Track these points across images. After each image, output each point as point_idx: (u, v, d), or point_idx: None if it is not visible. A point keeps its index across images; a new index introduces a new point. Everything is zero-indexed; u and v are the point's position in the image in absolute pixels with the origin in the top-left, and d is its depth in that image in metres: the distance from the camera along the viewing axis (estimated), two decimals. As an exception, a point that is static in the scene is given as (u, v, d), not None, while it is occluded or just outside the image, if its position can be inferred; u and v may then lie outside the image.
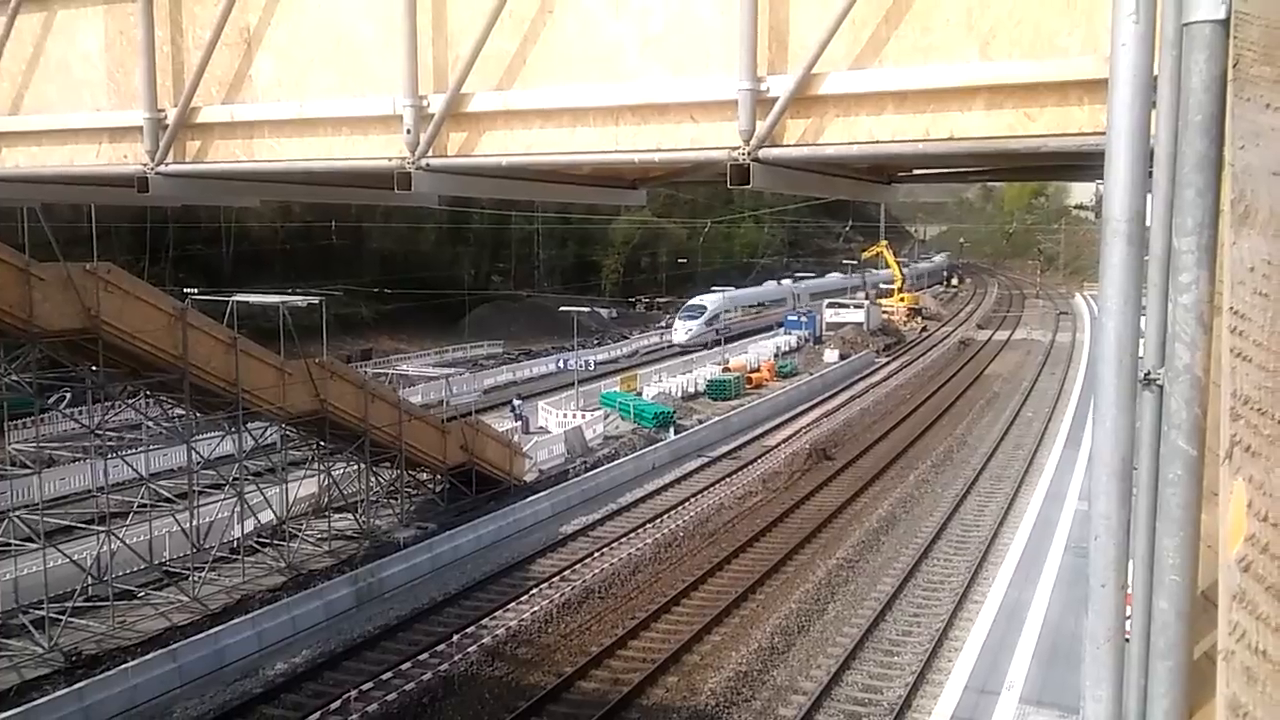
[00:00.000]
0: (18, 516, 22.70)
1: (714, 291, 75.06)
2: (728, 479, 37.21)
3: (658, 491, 35.81)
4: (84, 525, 23.28)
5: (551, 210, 78.40)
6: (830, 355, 66.53)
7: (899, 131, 5.37)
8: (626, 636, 22.99)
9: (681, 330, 68.68)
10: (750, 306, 78.79)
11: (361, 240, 71.35)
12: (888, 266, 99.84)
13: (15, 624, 22.01)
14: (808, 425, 46.87)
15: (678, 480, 37.35)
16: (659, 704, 19.97)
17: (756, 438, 44.65)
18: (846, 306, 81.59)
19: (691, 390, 53.01)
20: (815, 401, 53.19)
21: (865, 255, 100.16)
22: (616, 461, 38.22)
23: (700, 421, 46.14)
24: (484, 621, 23.88)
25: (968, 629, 21.77)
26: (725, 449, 42.22)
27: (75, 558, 23.13)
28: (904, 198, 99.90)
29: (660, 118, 6.09)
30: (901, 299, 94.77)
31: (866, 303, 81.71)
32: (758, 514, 32.71)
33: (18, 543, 21.95)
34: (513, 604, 25.07)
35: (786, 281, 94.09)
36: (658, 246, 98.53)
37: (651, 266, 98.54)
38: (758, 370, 58.89)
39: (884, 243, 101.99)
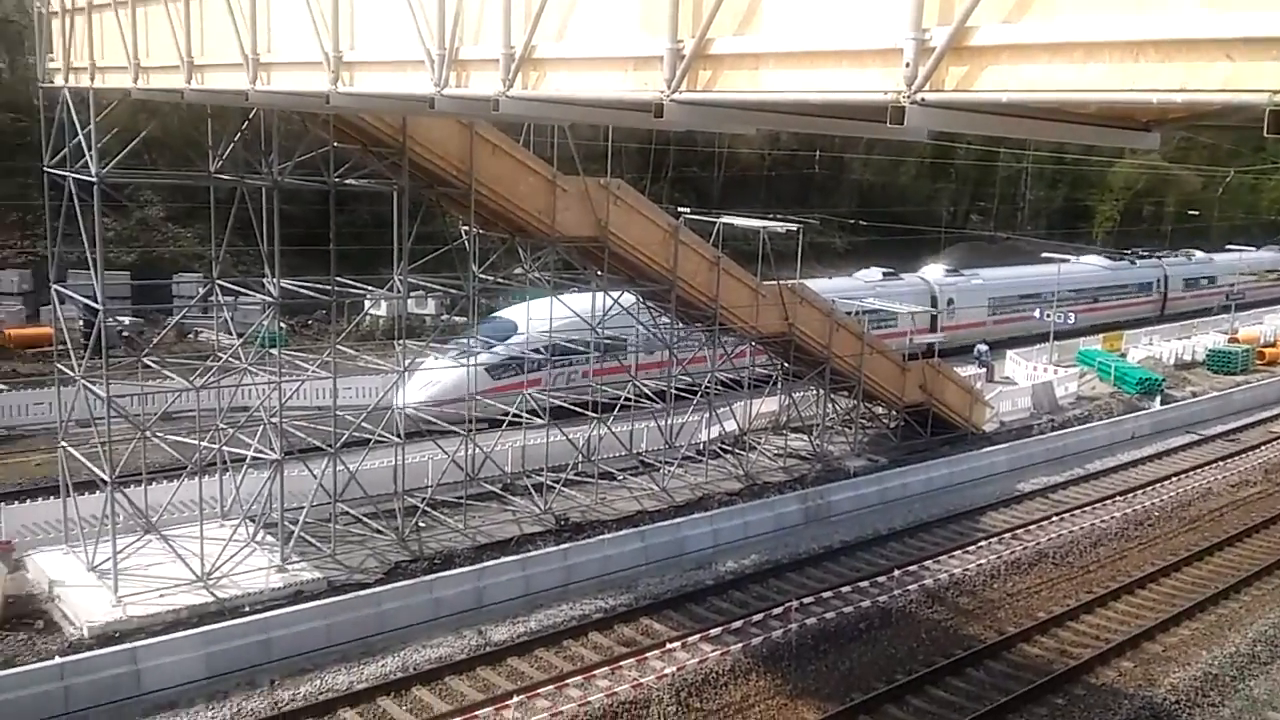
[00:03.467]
0: (529, 394, 26.32)
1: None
2: (1220, 463, 33.24)
3: (1133, 464, 32.95)
4: (580, 410, 26.43)
5: (1044, 149, 73.10)
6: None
7: None
8: (1080, 609, 21.74)
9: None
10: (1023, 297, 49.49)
11: (842, 170, 71.75)
12: None
13: (520, 485, 25.78)
14: (1335, 417, 40.18)
15: (1158, 455, 34.08)
16: (1109, 686, 18.74)
17: (1262, 421, 39.21)
18: None
19: (1187, 359, 47.44)
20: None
21: None
22: (1089, 425, 35.59)
23: (1194, 394, 41.36)
24: (927, 563, 23.77)
25: None
26: (1221, 429, 37.64)
27: (571, 437, 26.42)
28: None
29: (1188, 54, 5.55)
30: None
31: None
32: (1254, 507, 28.97)
33: (527, 417, 25.49)
34: (958, 552, 24.64)
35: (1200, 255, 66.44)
36: (1165, 194, 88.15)
37: (1155, 216, 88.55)
38: (1273, 345, 51.18)
39: None
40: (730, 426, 30.47)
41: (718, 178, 63.59)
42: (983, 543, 25.25)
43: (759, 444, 30.41)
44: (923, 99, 7.04)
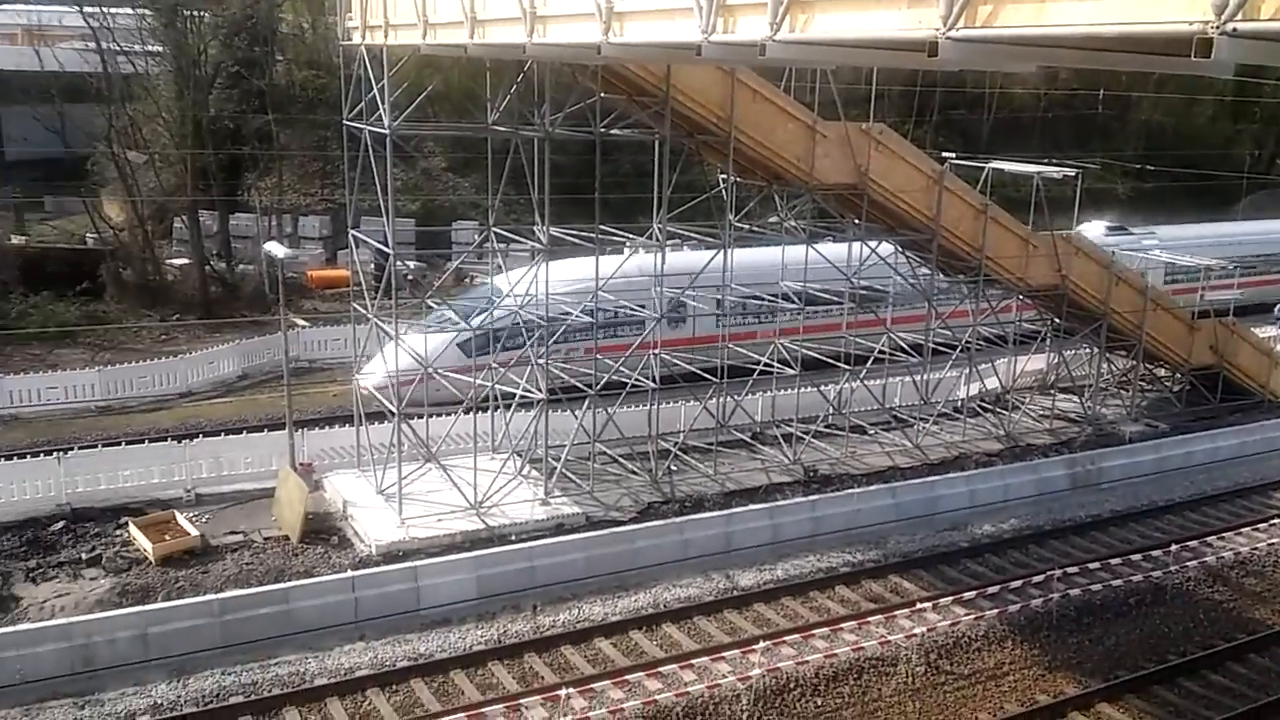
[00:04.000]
0: (781, 344, 26.24)
1: None
2: None
3: None
4: (832, 362, 26.09)
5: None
6: None
7: None
8: (1390, 598, 19.45)
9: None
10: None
11: (1127, 111, 66.09)
12: None
13: (769, 435, 25.86)
14: None
15: None
16: None
17: None
18: None
19: None
20: None
21: None
22: None
23: None
24: (1209, 539, 21.94)
25: None
26: None
27: (822, 389, 26.17)
28: None
29: None
30: None
31: None
32: None
33: (778, 366, 25.44)
34: (1247, 529, 22.59)
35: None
36: None
37: None
38: None
39: None
40: (992, 384, 29.15)
41: (987, 120, 60.31)
42: (1276, 520, 22.98)
43: (1023, 403, 28.95)
44: (1234, 29, 6.37)
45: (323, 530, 20.34)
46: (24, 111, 43.61)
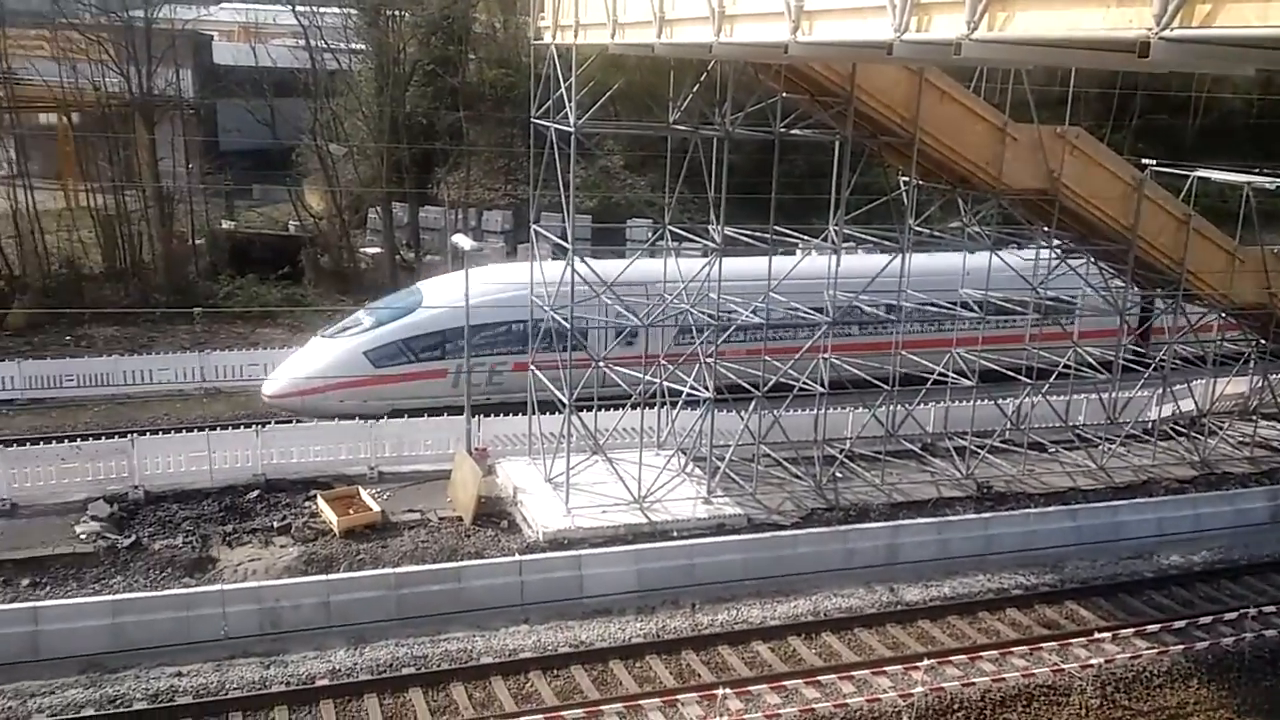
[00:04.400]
0: (958, 354, 25.41)
1: None
2: None
3: None
4: (1013, 375, 25.07)
5: None
6: None
7: None
8: None
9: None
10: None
11: (1356, 118, 60.84)
12: None
13: (941, 447, 25.10)
14: None
15: None
16: None
17: None
18: None
19: None
20: None
21: None
22: None
23: None
24: None
25: None
26: None
27: (999, 402, 25.20)
28: None
29: None
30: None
31: None
32: None
33: (953, 376, 24.66)
34: None
35: None
36: None
37: None
38: None
39: None
40: (1187, 406, 27.40)
41: (1192, 125, 56.70)
42: None
43: (1220, 429, 27.07)
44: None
45: (493, 514, 21.00)
46: (238, 104, 46.81)
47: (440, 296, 25.10)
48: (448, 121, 44.76)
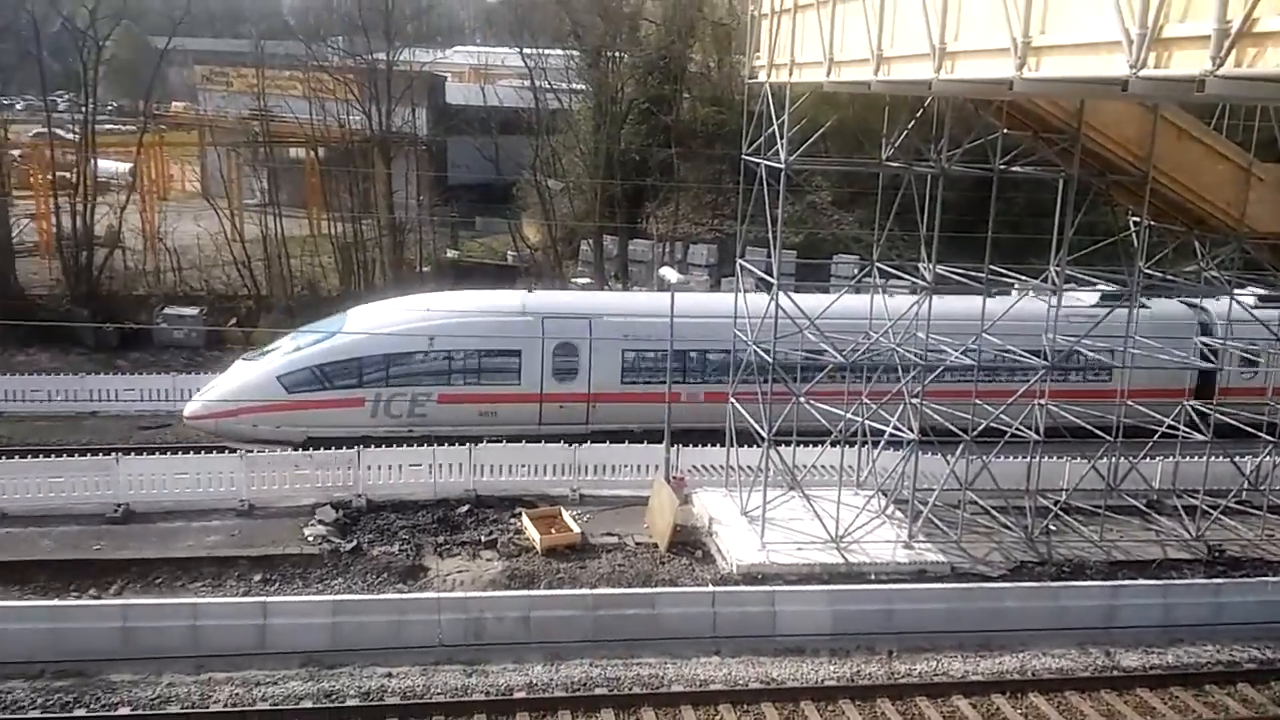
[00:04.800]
0: (1189, 406, 23.69)
1: None
2: None
3: None
4: (1251, 431, 23.12)
5: None
6: None
7: None
8: None
9: None
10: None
11: None
12: None
13: (1168, 505, 23.44)
14: None
15: None
16: None
17: None
18: None
19: None
20: None
21: None
22: None
23: None
24: None
25: None
26: None
27: (1236, 460, 23.32)
28: None
29: None
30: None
31: None
32: None
33: (1185, 430, 22.94)
34: None
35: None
36: None
37: None
38: None
39: None
40: None
41: None
42: None
43: None
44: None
45: (688, 543, 21.16)
46: (467, 141, 49.61)
47: (363, 324, 24.76)
48: (659, 158, 45.83)
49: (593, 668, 17.18)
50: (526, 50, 45.52)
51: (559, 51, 46.45)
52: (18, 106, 58.63)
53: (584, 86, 46.62)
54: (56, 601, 17.79)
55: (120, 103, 68.18)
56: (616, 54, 45.07)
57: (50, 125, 42.75)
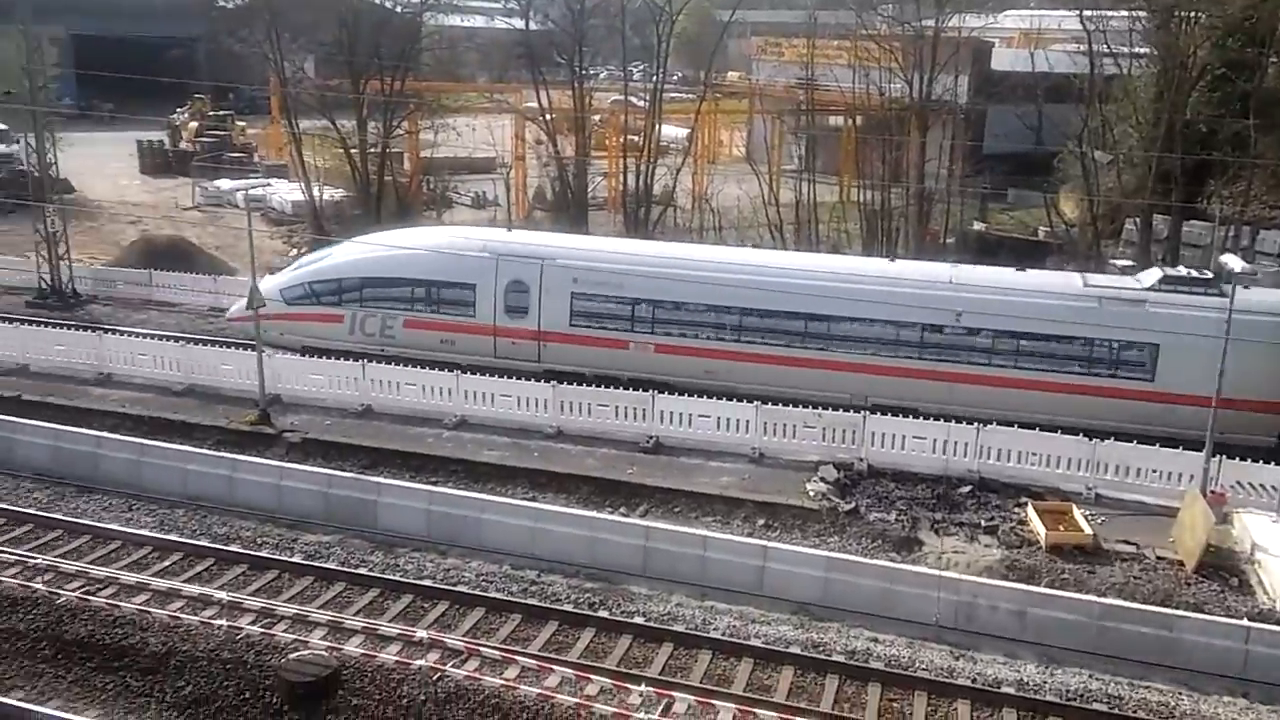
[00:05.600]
0: None
1: None
2: None
3: None
4: None
5: None
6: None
7: None
8: None
9: None
10: None
11: None
12: None
13: None
14: None
15: None
16: None
17: None
18: None
19: None
20: None
21: None
22: None
23: None
24: None
25: None
26: None
27: None
28: None
29: None
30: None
31: None
32: None
33: None
34: None
35: None
36: None
37: None
38: None
39: None
40: None
41: None
42: None
43: None
44: None
45: (1222, 567, 18.77)
46: (1007, 109, 47.42)
47: (352, 250, 27.95)
48: (1232, 130, 40.18)
49: (1093, 680, 16.01)
50: (1087, 12, 42.13)
51: (1123, 13, 42.32)
52: (601, 76, 66.50)
53: (1148, 50, 42.13)
54: (594, 513, 20.33)
55: (685, 73, 74.48)
56: (1192, 14, 40.08)
57: (626, 94, 48.02)
